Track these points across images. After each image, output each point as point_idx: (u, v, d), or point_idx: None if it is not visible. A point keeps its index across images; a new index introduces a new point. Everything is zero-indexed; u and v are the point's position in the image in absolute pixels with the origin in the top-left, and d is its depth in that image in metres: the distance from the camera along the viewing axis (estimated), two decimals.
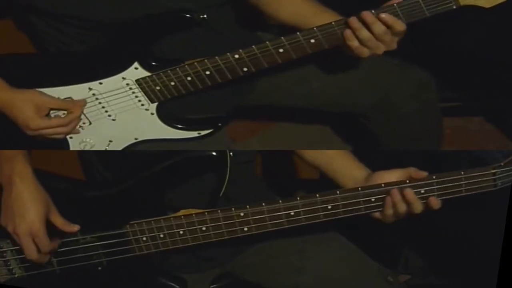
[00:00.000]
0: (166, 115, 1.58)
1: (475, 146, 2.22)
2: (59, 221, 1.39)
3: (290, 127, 2.32)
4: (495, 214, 1.49)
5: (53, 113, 1.54)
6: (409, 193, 1.36)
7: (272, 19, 1.66)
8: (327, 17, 1.52)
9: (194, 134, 1.59)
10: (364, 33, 1.41)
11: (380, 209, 1.40)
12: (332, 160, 1.52)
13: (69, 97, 1.54)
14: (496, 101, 2.31)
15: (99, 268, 1.44)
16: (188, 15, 1.48)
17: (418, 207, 1.37)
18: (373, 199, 1.38)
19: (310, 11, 1.58)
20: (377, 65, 1.72)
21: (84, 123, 1.57)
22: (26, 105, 1.48)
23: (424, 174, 1.38)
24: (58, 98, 1.54)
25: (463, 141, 2.27)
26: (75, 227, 1.41)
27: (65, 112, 1.54)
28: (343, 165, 1.50)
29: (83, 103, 1.55)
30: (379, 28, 1.41)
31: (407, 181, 1.37)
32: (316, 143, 2.23)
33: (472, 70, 2.18)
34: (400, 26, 1.40)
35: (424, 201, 1.38)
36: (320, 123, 2.29)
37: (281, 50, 1.45)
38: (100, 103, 1.55)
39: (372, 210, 1.40)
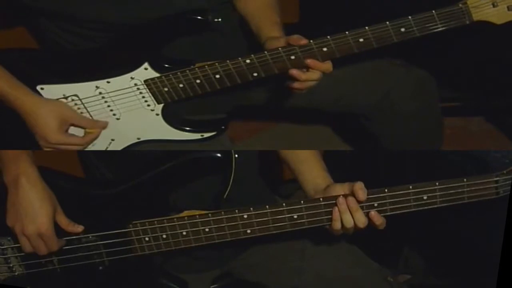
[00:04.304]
0: (171, 117, 1.58)
1: (475, 146, 2.23)
2: (63, 221, 1.39)
3: (290, 127, 2.32)
4: (495, 214, 1.49)
5: None
6: (350, 201, 1.35)
7: (236, 9, 1.67)
8: (271, 27, 1.55)
9: (197, 136, 1.60)
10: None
11: (383, 214, 1.39)
12: (301, 161, 1.51)
13: (75, 95, 1.54)
14: (496, 101, 2.31)
15: (100, 267, 1.44)
16: (201, 18, 1.48)
17: (360, 218, 1.36)
18: (375, 204, 1.37)
19: (260, 15, 1.59)
20: (377, 65, 1.72)
21: None
22: (50, 117, 1.48)
23: (363, 197, 1.35)
24: (82, 115, 1.55)
25: (463, 141, 2.28)
26: (79, 228, 1.40)
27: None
28: (310, 170, 1.49)
29: (104, 125, 1.56)
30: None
31: (410, 186, 1.37)
32: (316, 143, 2.23)
33: (472, 70, 2.18)
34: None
35: (429, 207, 1.38)
36: (320, 123, 2.30)
37: (292, 57, 1.45)
38: (106, 101, 1.55)
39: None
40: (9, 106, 1.49)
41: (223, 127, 1.63)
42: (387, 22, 1.43)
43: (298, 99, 1.78)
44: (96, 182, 1.54)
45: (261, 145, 2.26)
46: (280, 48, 1.45)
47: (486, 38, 1.99)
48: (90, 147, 1.59)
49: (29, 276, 1.45)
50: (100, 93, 1.54)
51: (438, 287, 2.01)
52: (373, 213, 1.36)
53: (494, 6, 1.43)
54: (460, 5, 1.43)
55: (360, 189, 1.35)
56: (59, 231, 1.39)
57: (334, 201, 1.37)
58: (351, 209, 1.35)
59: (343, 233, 1.39)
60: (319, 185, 1.44)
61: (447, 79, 2.00)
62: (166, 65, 1.51)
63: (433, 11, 1.43)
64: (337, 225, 1.37)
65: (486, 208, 1.49)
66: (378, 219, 1.36)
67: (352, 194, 1.35)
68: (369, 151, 2.06)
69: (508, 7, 1.43)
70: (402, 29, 1.43)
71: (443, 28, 1.44)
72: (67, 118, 1.52)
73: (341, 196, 1.36)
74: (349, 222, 1.36)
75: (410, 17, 1.43)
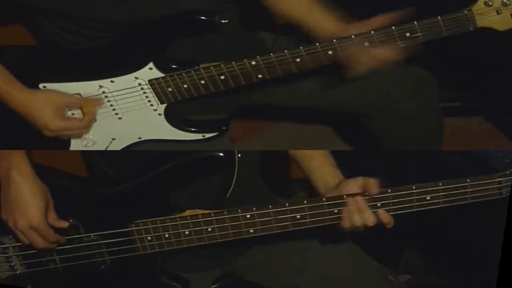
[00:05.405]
0: (173, 117, 1.58)
1: (475, 146, 2.23)
2: (51, 216, 1.39)
3: (290, 127, 2.32)
4: (495, 214, 1.49)
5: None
6: (359, 201, 1.36)
7: (277, 16, 1.66)
8: (330, 20, 1.53)
9: (198, 136, 1.60)
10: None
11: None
12: (309, 158, 1.52)
13: (78, 93, 1.54)
14: (496, 101, 2.31)
15: (102, 266, 1.44)
16: (207, 18, 1.48)
17: (369, 217, 1.37)
18: (379, 204, 1.38)
19: (314, 12, 1.57)
20: None
21: None
22: (44, 106, 1.48)
23: (375, 191, 1.37)
24: (74, 95, 1.53)
25: (463, 141, 2.28)
26: (65, 224, 1.40)
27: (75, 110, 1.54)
28: (319, 166, 1.49)
29: (101, 101, 1.55)
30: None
31: (413, 187, 1.38)
32: (316, 143, 2.23)
33: (472, 70, 2.19)
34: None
35: (432, 207, 1.39)
36: (320, 123, 2.30)
37: (298, 60, 1.46)
38: (109, 101, 1.55)
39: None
40: (4, 103, 1.49)
41: (224, 127, 1.63)
42: (393, 27, 1.44)
43: (298, 99, 1.78)
44: (99, 181, 1.54)
45: (261, 145, 2.26)
46: (286, 51, 1.46)
47: (487, 39, 1.99)
48: (91, 147, 1.59)
49: (30, 275, 1.45)
50: (104, 92, 1.53)
51: (438, 287, 2.01)
52: (380, 211, 1.37)
53: (498, 13, 1.44)
54: (466, 11, 1.44)
55: (374, 185, 1.36)
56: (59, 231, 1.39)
57: (337, 201, 1.37)
58: (360, 208, 1.36)
59: (352, 231, 1.40)
60: (329, 183, 1.44)
61: (447, 79, 2.01)
62: (171, 65, 1.51)
63: (439, 17, 1.43)
64: (346, 224, 1.38)
65: (486, 207, 1.49)
66: (386, 217, 1.38)
67: (363, 190, 1.36)
68: (369, 151, 2.06)
69: (511, 15, 1.44)
70: (407, 34, 1.44)
71: (448, 34, 1.44)
72: (61, 102, 1.51)
73: (350, 195, 1.36)
74: (358, 221, 1.37)
75: (415, 22, 1.43)
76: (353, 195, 1.37)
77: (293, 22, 1.61)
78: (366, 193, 1.37)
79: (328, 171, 1.47)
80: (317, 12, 1.56)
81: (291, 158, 1.57)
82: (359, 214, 1.37)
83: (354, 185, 1.39)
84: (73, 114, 1.55)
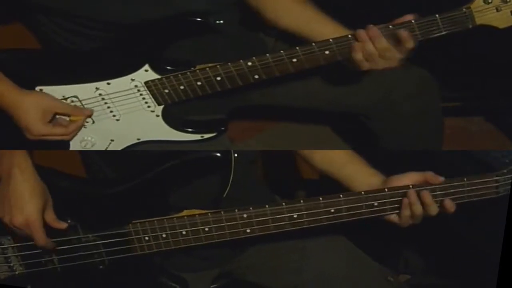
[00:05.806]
0: (171, 118, 1.58)
1: (475, 146, 2.23)
2: (50, 216, 1.39)
3: (290, 127, 2.32)
4: (495, 214, 1.49)
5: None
6: (425, 195, 1.37)
7: (271, 25, 1.66)
8: (328, 25, 1.54)
9: (197, 137, 1.60)
10: (370, 47, 1.41)
11: (383, 213, 1.40)
12: (344, 165, 1.51)
13: (75, 96, 1.54)
14: (496, 101, 2.31)
15: (100, 266, 1.44)
16: (202, 20, 1.48)
17: (433, 209, 1.38)
18: (376, 204, 1.39)
19: (311, 19, 1.58)
20: None
21: (87, 122, 1.57)
22: (32, 109, 1.48)
23: (441, 179, 1.38)
24: (65, 102, 1.54)
25: (463, 141, 2.28)
26: (64, 225, 1.40)
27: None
28: (357, 171, 1.50)
29: (90, 112, 1.55)
30: (382, 44, 1.41)
31: (410, 186, 1.38)
32: (316, 143, 2.23)
33: (472, 70, 2.19)
34: (410, 43, 1.41)
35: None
36: (320, 123, 2.30)
37: (294, 60, 1.46)
38: (106, 103, 1.55)
39: (375, 215, 1.41)
40: None
41: (223, 128, 1.62)
42: (390, 26, 1.43)
43: (298, 99, 1.78)
44: (97, 182, 1.54)
45: (261, 145, 2.25)
46: (282, 51, 1.46)
47: (487, 38, 1.99)
48: (90, 148, 1.60)
49: (29, 276, 1.45)
50: (100, 94, 1.54)
51: (438, 287, 2.01)
52: (446, 200, 1.38)
53: (497, 10, 1.43)
54: (464, 9, 1.43)
55: (434, 175, 1.38)
56: (57, 231, 1.40)
57: (334, 200, 1.37)
58: (422, 198, 1.38)
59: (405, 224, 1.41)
60: (373, 184, 1.45)
61: (447, 79, 2.00)
62: (167, 67, 1.51)
63: (437, 15, 1.43)
64: (407, 213, 1.38)
65: (486, 207, 1.49)
66: (451, 206, 1.39)
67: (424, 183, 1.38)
68: (369, 151, 2.06)
69: (511, 12, 1.44)
70: None
71: (446, 32, 1.44)
72: (50, 108, 1.50)
73: (411, 187, 1.38)
74: (419, 211, 1.38)
75: (413, 21, 1.43)
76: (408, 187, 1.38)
77: (288, 31, 1.62)
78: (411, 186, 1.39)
79: (368, 173, 1.48)
80: (312, 21, 1.57)
81: (317, 169, 1.57)
82: (418, 206, 1.37)
83: (406, 179, 1.40)
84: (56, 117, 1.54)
